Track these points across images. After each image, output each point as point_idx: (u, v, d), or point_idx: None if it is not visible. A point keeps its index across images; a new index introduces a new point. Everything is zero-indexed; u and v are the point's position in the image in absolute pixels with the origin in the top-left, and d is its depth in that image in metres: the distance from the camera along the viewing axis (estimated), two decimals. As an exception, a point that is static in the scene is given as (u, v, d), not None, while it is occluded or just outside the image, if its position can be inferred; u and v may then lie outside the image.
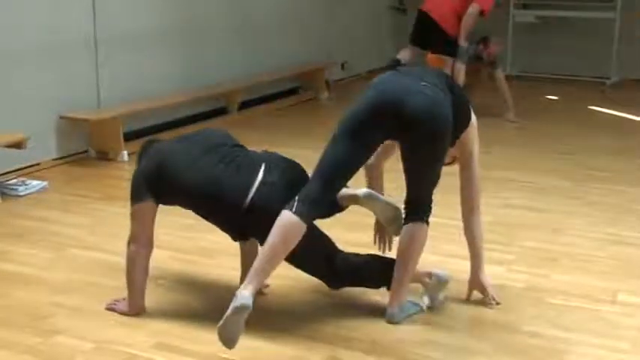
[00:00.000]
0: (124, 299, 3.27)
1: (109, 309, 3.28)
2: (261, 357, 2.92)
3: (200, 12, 7.08)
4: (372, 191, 3.28)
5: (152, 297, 3.34)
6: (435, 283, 3.30)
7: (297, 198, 2.94)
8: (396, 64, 7.05)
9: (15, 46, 5.31)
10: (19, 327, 3.15)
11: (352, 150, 3.02)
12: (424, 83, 3.04)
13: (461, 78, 6.79)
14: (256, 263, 2.91)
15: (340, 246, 3.26)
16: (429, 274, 3.31)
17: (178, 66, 6.86)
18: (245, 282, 2.89)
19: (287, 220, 2.90)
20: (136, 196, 3.20)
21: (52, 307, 3.33)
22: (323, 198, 3.00)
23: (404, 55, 7.33)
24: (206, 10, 7.15)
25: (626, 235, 4.22)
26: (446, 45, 7.00)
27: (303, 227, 2.91)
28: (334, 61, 8.80)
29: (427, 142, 3.02)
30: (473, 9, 6.87)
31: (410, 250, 3.13)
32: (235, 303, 2.77)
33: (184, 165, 3.16)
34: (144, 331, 3.10)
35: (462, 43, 6.93)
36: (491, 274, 3.49)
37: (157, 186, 3.17)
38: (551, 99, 8.57)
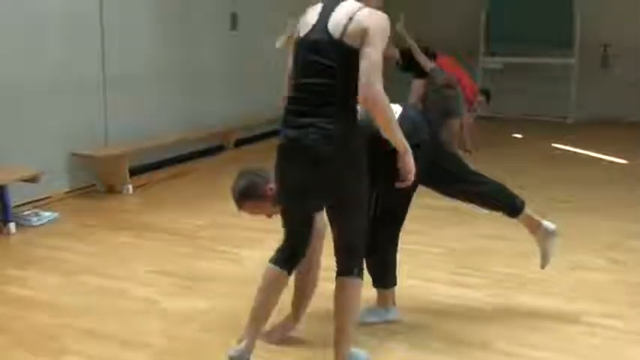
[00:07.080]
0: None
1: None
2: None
3: (200, 58, 7.11)
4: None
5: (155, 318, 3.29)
6: (544, 235, 3.32)
7: None
8: None
9: (30, 87, 5.31)
10: (31, 347, 3.10)
11: None
12: None
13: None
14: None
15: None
16: (539, 225, 3.32)
17: (179, 107, 6.86)
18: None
19: None
20: None
21: (62, 328, 3.28)
22: None
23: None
24: (204, 56, 7.19)
25: (587, 261, 4.21)
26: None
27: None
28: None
29: None
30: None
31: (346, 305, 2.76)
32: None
33: None
34: (146, 353, 3.05)
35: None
36: (469, 297, 3.53)
37: None
38: (516, 137, 8.63)
